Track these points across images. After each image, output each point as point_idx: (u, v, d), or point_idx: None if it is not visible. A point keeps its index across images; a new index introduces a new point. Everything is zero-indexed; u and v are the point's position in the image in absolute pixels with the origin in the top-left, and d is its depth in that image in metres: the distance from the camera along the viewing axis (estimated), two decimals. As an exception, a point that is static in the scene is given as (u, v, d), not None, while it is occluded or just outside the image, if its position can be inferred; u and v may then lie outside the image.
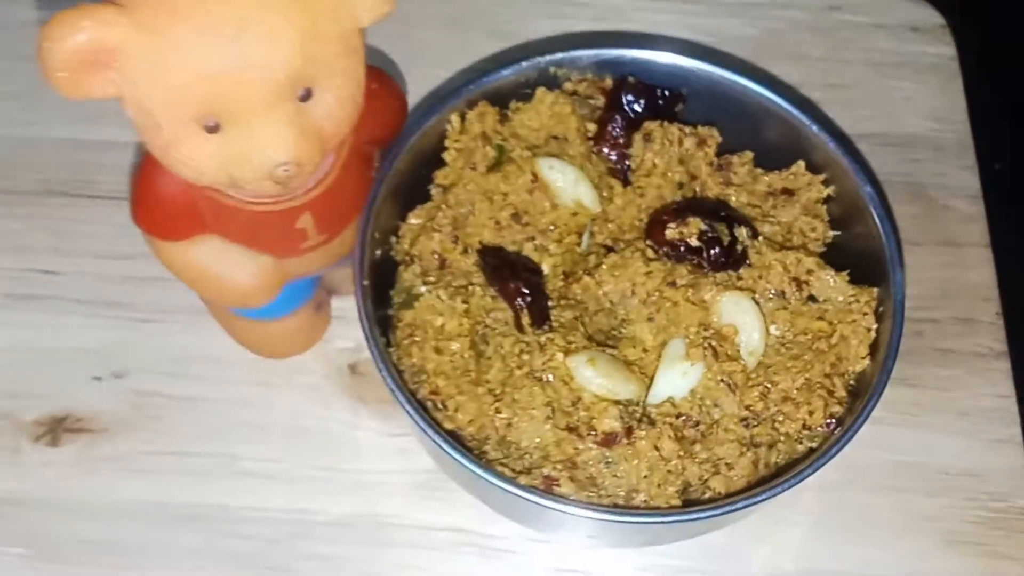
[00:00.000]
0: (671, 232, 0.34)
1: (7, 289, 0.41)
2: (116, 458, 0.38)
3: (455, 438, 0.32)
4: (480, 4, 0.49)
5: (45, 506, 0.37)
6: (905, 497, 0.37)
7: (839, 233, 0.36)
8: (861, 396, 0.32)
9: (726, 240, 0.33)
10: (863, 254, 0.34)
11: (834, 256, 0.35)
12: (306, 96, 0.28)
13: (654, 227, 0.34)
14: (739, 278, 0.33)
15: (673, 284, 0.33)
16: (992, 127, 0.46)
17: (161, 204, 0.32)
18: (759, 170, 0.37)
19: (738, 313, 0.32)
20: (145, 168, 0.31)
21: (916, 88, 0.47)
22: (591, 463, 0.31)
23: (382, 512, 0.37)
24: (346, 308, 0.41)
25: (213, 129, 0.27)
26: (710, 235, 0.33)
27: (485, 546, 0.36)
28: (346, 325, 0.41)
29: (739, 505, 0.29)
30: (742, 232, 0.34)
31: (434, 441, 0.30)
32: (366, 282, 0.33)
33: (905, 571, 0.36)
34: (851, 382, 0.33)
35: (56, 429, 0.38)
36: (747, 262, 0.34)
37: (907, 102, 0.46)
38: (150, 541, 0.36)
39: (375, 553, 0.36)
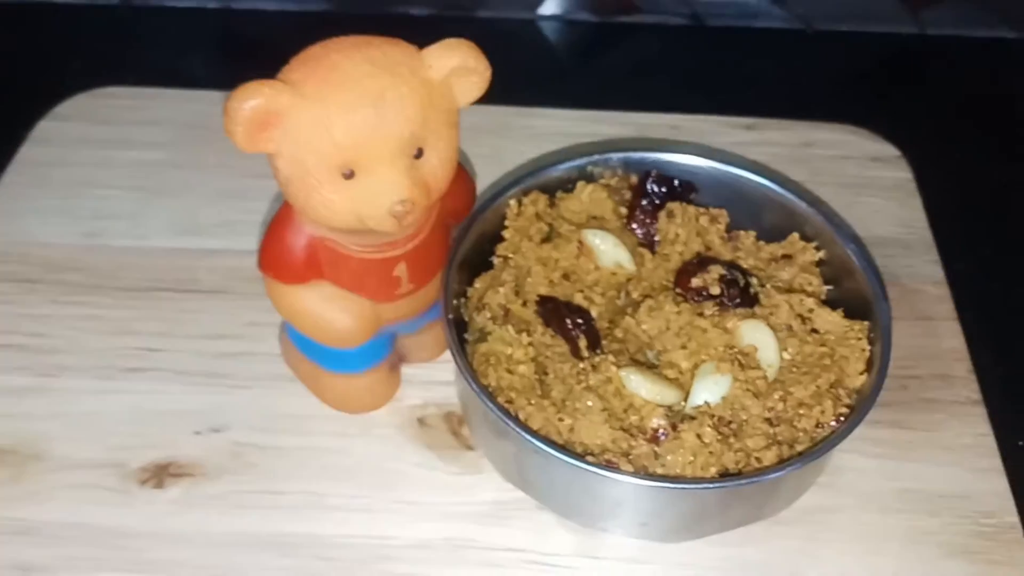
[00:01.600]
0: (696, 280, 0.41)
1: (118, 363, 0.47)
2: (215, 497, 0.43)
3: (525, 444, 0.38)
4: (530, 118, 0.60)
5: (151, 537, 0.41)
6: (909, 516, 0.43)
7: (832, 288, 0.44)
8: (863, 399, 0.38)
9: (741, 283, 0.41)
10: (853, 300, 0.42)
11: (829, 305, 0.43)
12: (419, 155, 0.36)
13: (681, 277, 0.42)
14: (754, 313, 0.41)
15: (701, 315, 0.40)
16: (950, 231, 0.55)
17: (287, 253, 0.39)
18: (761, 242, 0.45)
19: (756, 335, 0.40)
20: (276, 225, 0.39)
21: (882, 203, 0.56)
22: (643, 457, 0.37)
23: (453, 536, 0.42)
24: (414, 373, 0.47)
25: (349, 176, 0.35)
26: (728, 278, 0.41)
27: (544, 562, 0.41)
28: (414, 387, 0.47)
29: (774, 474, 0.35)
30: (753, 280, 0.42)
31: (509, 424, 0.36)
32: (450, 316, 0.40)
33: (916, 574, 0.41)
34: (852, 393, 0.39)
35: (160, 474, 0.44)
36: (759, 303, 0.41)
37: (876, 213, 0.55)
38: (246, 564, 0.41)
39: (449, 571, 0.41)
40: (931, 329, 0.50)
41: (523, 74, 0.65)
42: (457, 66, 0.36)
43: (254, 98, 0.34)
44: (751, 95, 0.64)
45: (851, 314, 0.42)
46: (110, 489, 0.43)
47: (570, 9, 0.70)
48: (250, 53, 0.67)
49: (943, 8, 0.68)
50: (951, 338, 0.50)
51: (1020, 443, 0.47)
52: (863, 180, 0.57)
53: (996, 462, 0.45)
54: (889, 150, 0.59)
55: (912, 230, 0.55)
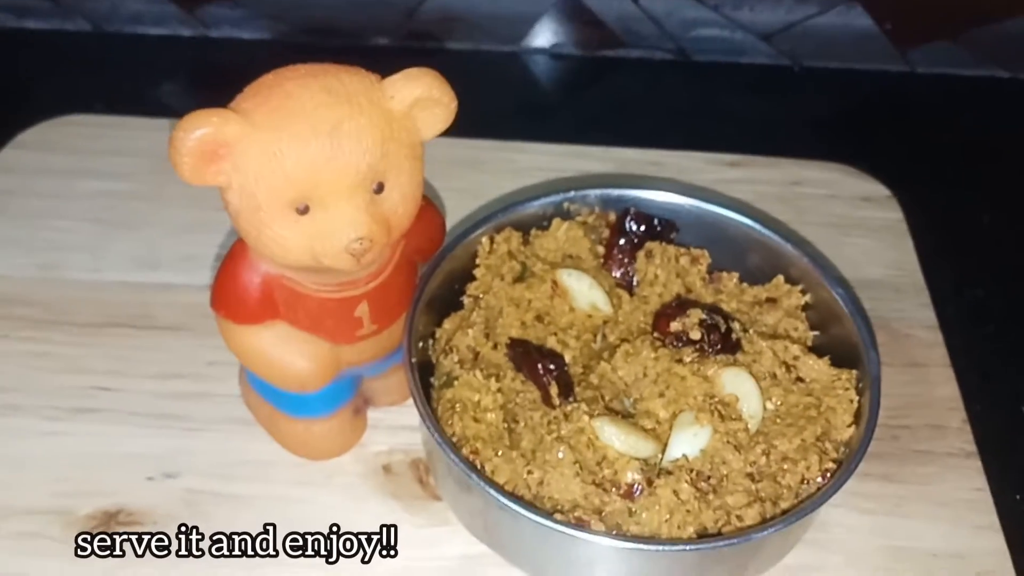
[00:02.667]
0: (675, 325, 0.39)
1: (69, 404, 0.45)
2: (166, 548, 0.40)
3: (491, 498, 0.35)
4: (510, 152, 0.58)
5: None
6: (901, 578, 0.40)
7: (818, 334, 0.42)
8: (851, 453, 0.36)
9: (723, 328, 0.39)
10: (841, 347, 0.40)
11: (815, 351, 0.41)
12: (379, 189, 0.34)
13: (660, 321, 0.40)
14: (736, 360, 0.39)
15: (680, 361, 0.38)
16: (941, 273, 0.53)
17: (241, 292, 0.37)
18: (745, 284, 0.43)
19: (738, 384, 0.37)
20: (229, 262, 0.37)
21: (872, 244, 0.54)
22: (616, 514, 0.35)
23: (416, 595, 0.39)
24: (380, 418, 0.45)
25: (303, 211, 0.33)
26: (709, 323, 0.39)
27: (514, 625, 0.39)
28: (380, 432, 0.45)
29: (756, 535, 0.33)
30: (735, 325, 0.40)
31: (472, 478, 0.34)
32: (413, 359, 0.37)
33: (908, 642, 0.39)
34: (840, 446, 0.37)
35: (109, 523, 0.41)
36: (741, 349, 0.39)
37: (865, 255, 0.54)
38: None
39: (410, 632, 0.38)
40: (923, 376, 0.48)
41: (504, 107, 0.64)
42: (420, 97, 0.34)
43: (201, 127, 0.32)
44: (736, 132, 0.63)
45: (838, 362, 0.40)
46: (53, 539, 0.40)
47: (555, 43, 0.68)
48: (225, 82, 0.66)
49: (932, 47, 0.67)
50: (944, 385, 0.47)
51: (1018, 497, 0.45)
52: (852, 220, 0.56)
53: (992, 518, 0.42)
54: (879, 189, 0.57)
55: (903, 272, 0.53)
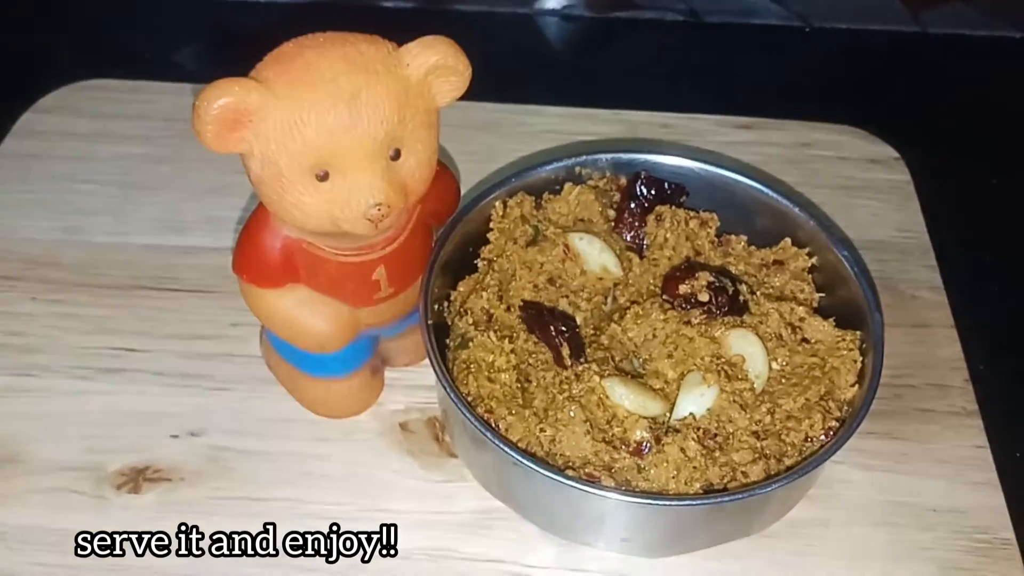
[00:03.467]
0: (684, 287, 0.40)
1: (96, 364, 0.47)
2: (192, 503, 0.42)
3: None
4: (523, 115, 0.59)
5: (127, 543, 0.40)
6: (901, 531, 0.42)
7: (824, 295, 0.43)
8: (854, 412, 0.37)
9: (730, 290, 0.40)
10: (846, 309, 0.41)
11: (821, 313, 0.42)
12: (396, 156, 0.35)
13: (669, 283, 0.41)
14: (743, 322, 0.40)
15: (689, 323, 0.39)
16: (948, 235, 0.54)
17: (262, 256, 0.38)
18: (752, 247, 0.44)
19: (745, 345, 0.38)
20: (251, 227, 0.38)
21: (879, 206, 0.55)
22: (625, 470, 0.36)
23: (433, 547, 0.41)
24: (397, 377, 0.46)
25: (323, 177, 0.34)
26: (717, 285, 0.40)
27: (524, 574, 0.40)
28: (397, 391, 0.46)
29: (760, 490, 0.34)
30: (743, 287, 0.41)
31: (487, 435, 0.35)
32: (430, 321, 0.39)
33: (907, 594, 0.40)
34: (843, 405, 0.38)
35: (137, 479, 0.43)
36: (748, 311, 0.40)
37: (873, 216, 0.54)
38: (225, 571, 0.40)
39: (427, 582, 0.40)
40: (927, 336, 0.49)
41: (517, 70, 0.64)
42: (436, 64, 0.35)
43: (224, 96, 0.33)
44: (748, 93, 0.63)
45: (843, 323, 0.41)
46: (85, 493, 0.42)
47: (566, 4, 0.68)
48: (240, 45, 0.66)
49: (944, 8, 0.66)
50: (947, 346, 0.48)
51: (1018, 455, 0.46)
52: (860, 182, 0.56)
53: (992, 475, 0.44)
54: (887, 151, 0.58)
55: (909, 234, 0.54)
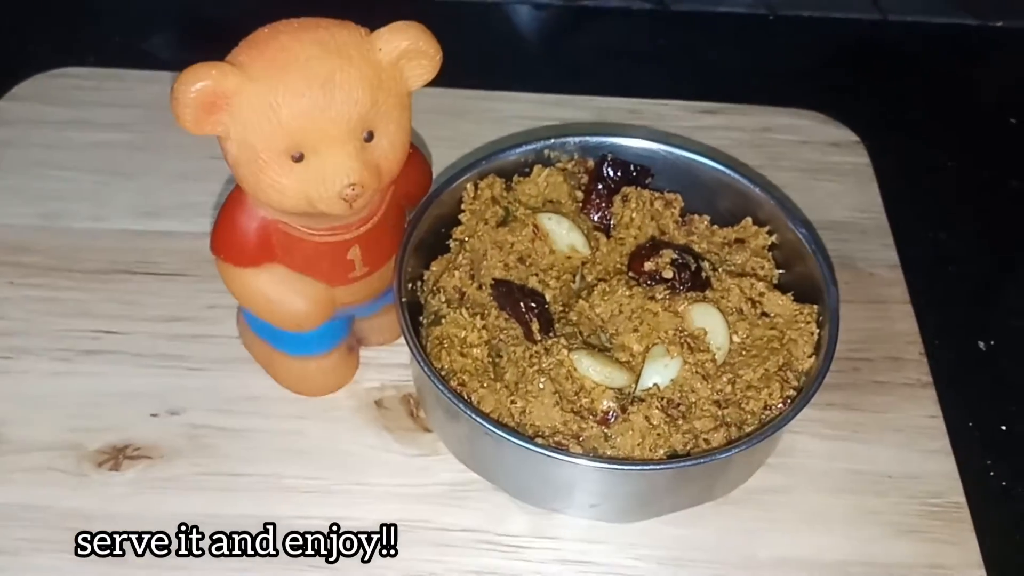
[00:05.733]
0: (648, 264, 0.42)
1: (76, 346, 0.47)
2: (173, 479, 0.43)
3: (478, 427, 0.38)
4: (493, 101, 0.60)
5: (108, 519, 0.41)
6: (858, 497, 0.44)
7: (783, 272, 0.44)
8: (810, 381, 0.39)
9: (693, 267, 0.41)
10: (804, 284, 0.43)
11: (780, 288, 0.43)
12: (369, 138, 0.36)
13: (634, 261, 0.42)
14: (705, 297, 0.41)
15: (653, 299, 0.41)
16: (905, 216, 0.56)
17: (239, 236, 0.39)
18: (715, 226, 0.46)
19: (706, 318, 0.40)
20: (229, 207, 0.39)
21: (839, 188, 0.57)
22: (593, 439, 0.37)
23: (409, 518, 0.42)
24: (372, 356, 0.48)
25: (298, 159, 0.35)
26: (680, 262, 0.41)
27: (499, 543, 0.41)
28: (372, 370, 0.47)
29: (720, 455, 0.36)
30: (705, 264, 0.42)
31: (459, 407, 0.37)
32: (403, 300, 0.40)
33: (863, 554, 0.42)
34: (801, 375, 0.40)
35: (117, 456, 0.44)
36: (710, 286, 0.42)
37: (832, 198, 0.56)
38: (204, 547, 0.41)
39: (404, 552, 0.41)
40: (884, 312, 0.51)
41: (488, 57, 0.65)
42: (407, 49, 0.36)
43: (201, 80, 0.34)
44: (713, 79, 0.65)
45: (801, 298, 0.42)
46: (66, 471, 0.43)
47: (536, -8, 0.70)
48: (214, 32, 0.67)
49: (904, -6, 0.69)
50: (903, 321, 0.50)
51: (970, 424, 0.48)
52: (821, 165, 0.58)
53: (944, 443, 0.46)
54: (847, 135, 0.60)
55: (868, 215, 0.55)
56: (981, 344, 0.52)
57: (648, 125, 0.59)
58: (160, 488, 0.43)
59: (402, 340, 0.43)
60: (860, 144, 0.59)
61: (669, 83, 0.63)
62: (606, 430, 0.37)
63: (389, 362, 0.47)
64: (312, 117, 0.34)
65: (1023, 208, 0.59)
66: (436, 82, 0.38)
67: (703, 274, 0.42)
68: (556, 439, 0.37)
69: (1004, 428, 0.48)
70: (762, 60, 0.68)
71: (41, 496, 0.42)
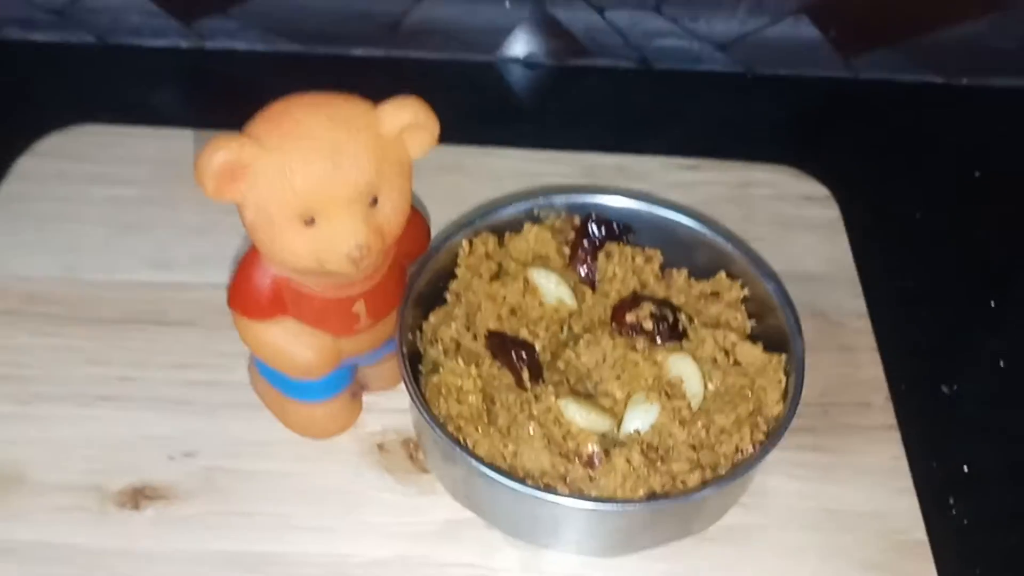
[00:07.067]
0: (630, 316, 0.45)
1: (94, 391, 0.50)
2: (188, 518, 0.46)
3: (473, 468, 0.41)
4: (486, 157, 0.64)
5: (128, 556, 0.44)
6: (827, 534, 0.47)
7: (755, 323, 0.48)
8: (778, 426, 0.42)
9: (671, 319, 0.45)
10: (773, 334, 0.46)
11: (753, 338, 0.47)
12: (374, 203, 0.40)
13: (617, 313, 0.46)
14: (682, 347, 0.45)
15: (634, 349, 0.44)
16: (874, 266, 0.59)
17: (254, 292, 0.42)
18: (692, 279, 0.49)
19: (683, 368, 0.44)
20: (244, 266, 0.43)
21: (811, 240, 0.60)
22: (578, 480, 0.41)
23: (408, 554, 0.45)
24: (373, 401, 0.51)
25: (309, 223, 0.39)
26: (658, 315, 0.45)
27: (492, 577, 0.45)
28: (375, 414, 0.50)
29: (695, 495, 0.39)
30: (683, 316, 0.46)
31: (456, 450, 0.40)
32: (404, 350, 0.43)
33: (831, 588, 0.45)
34: (771, 420, 0.43)
35: (136, 497, 0.47)
36: (687, 337, 0.45)
37: (805, 250, 0.60)
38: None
39: (405, 585, 0.44)
40: (852, 359, 0.54)
41: (482, 114, 0.69)
42: (408, 122, 0.39)
43: (222, 151, 0.37)
44: (695, 136, 0.68)
45: (771, 347, 0.46)
46: (88, 511, 0.46)
47: (528, 53, 0.74)
48: (221, 90, 0.71)
49: (874, 54, 0.73)
50: (870, 368, 0.54)
51: (933, 465, 0.51)
52: (795, 219, 0.62)
53: (908, 483, 0.49)
54: (819, 190, 0.63)
55: (837, 266, 0.59)
56: (945, 388, 0.55)
57: (633, 180, 0.63)
58: (177, 527, 0.46)
59: (402, 386, 0.47)
60: (831, 198, 0.63)
61: (654, 139, 0.67)
62: (591, 472, 0.41)
63: (390, 407, 0.50)
64: (322, 185, 0.38)
65: (986, 258, 0.62)
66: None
67: (680, 326, 0.45)
68: (545, 480, 0.40)
69: (966, 468, 0.51)
70: (741, 116, 0.71)
71: (65, 534, 0.45)
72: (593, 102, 0.72)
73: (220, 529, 0.46)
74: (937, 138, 0.71)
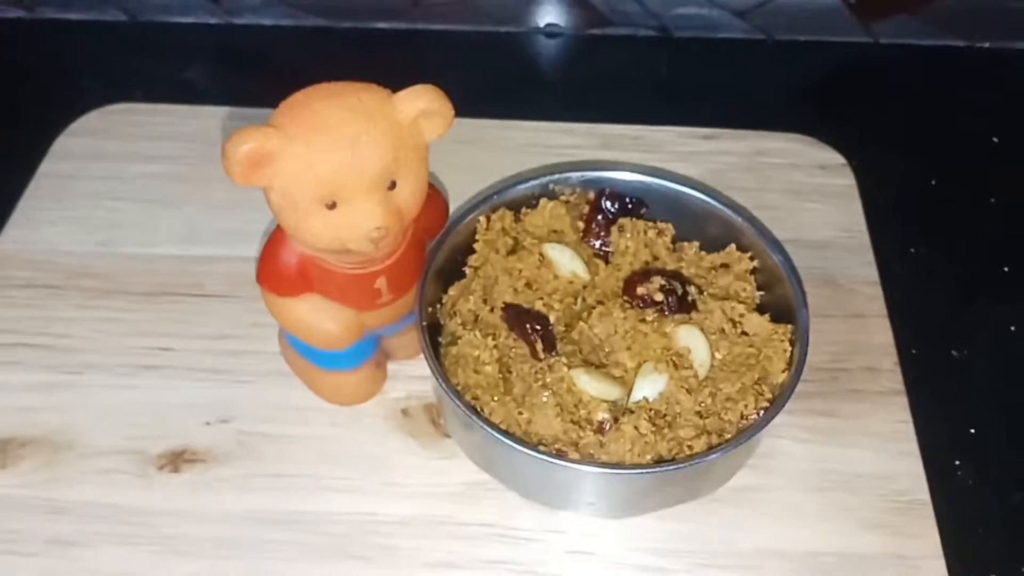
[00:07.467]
0: (641, 289, 0.47)
1: (135, 362, 0.53)
2: (225, 479, 0.49)
3: (490, 435, 0.43)
4: (505, 130, 0.65)
5: (169, 515, 0.48)
6: (831, 495, 0.49)
7: (763, 293, 0.49)
8: (782, 394, 0.44)
9: (680, 292, 0.47)
10: (781, 305, 0.48)
11: (760, 309, 0.48)
12: (392, 186, 0.42)
13: (628, 286, 0.48)
14: (691, 319, 0.47)
15: (644, 320, 0.46)
16: (887, 233, 0.60)
17: (281, 270, 0.45)
18: (703, 252, 0.51)
19: (690, 339, 0.45)
20: (271, 246, 0.45)
21: (825, 209, 0.61)
22: (589, 446, 0.43)
23: (430, 513, 0.48)
24: (398, 369, 0.53)
25: (331, 207, 0.41)
26: (668, 288, 0.47)
27: (510, 536, 0.47)
28: (399, 381, 0.53)
29: (698, 461, 0.41)
30: (692, 288, 0.47)
31: (473, 419, 0.42)
32: (424, 323, 0.45)
33: (835, 545, 0.47)
34: (775, 388, 0.45)
35: (176, 460, 0.50)
36: (696, 309, 0.47)
37: (818, 218, 0.61)
38: (255, 538, 0.47)
39: (427, 543, 0.47)
40: (863, 326, 0.55)
41: (501, 85, 0.71)
42: (424, 109, 0.41)
43: (248, 142, 0.39)
44: (712, 104, 0.69)
45: (780, 317, 0.48)
46: (131, 473, 0.49)
47: (548, 23, 0.75)
48: (248, 65, 0.73)
49: (895, 19, 0.73)
50: (880, 334, 0.55)
51: (941, 427, 0.52)
52: (809, 187, 0.63)
53: (913, 447, 0.50)
54: (835, 158, 0.64)
55: (851, 234, 0.60)
56: (955, 353, 0.56)
57: (649, 151, 0.64)
58: (214, 488, 0.49)
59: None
60: (847, 166, 0.64)
61: (671, 108, 0.68)
62: (601, 438, 0.43)
63: (413, 375, 0.53)
64: (343, 172, 0.40)
65: (1001, 224, 0.63)
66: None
67: (689, 298, 0.47)
68: (557, 446, 0.43)
69: (973, 431, 0.53)
70: (760, 83, 0.72)
71: (111, 495, 0.48)
72: (613, 71, 0.73)
73: (255, 490, 0.48)
74: (957, 103, 0.71)
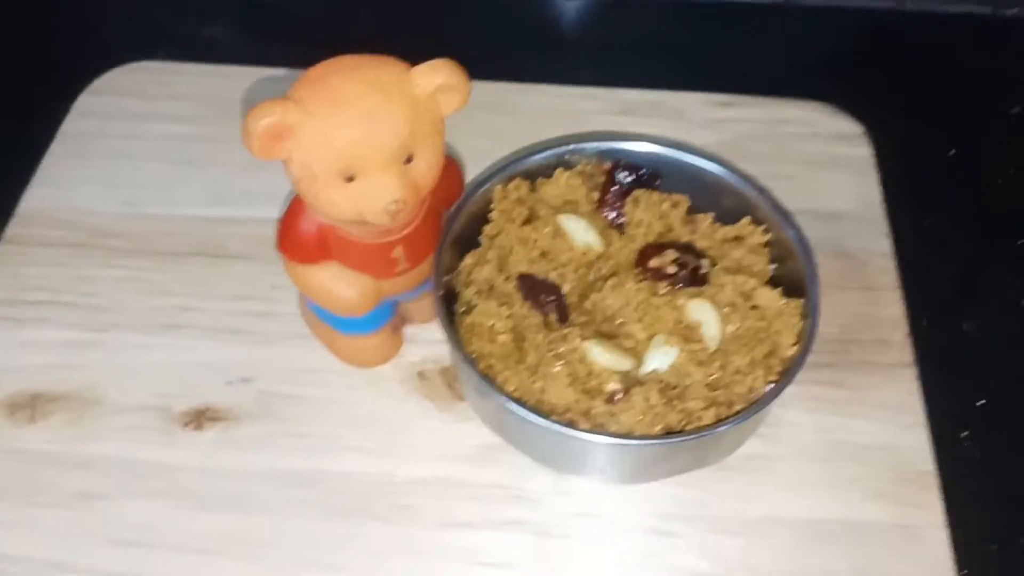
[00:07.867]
0: (654, 262, 0.48)
1: (160, 321, 0.55)
2: (246, 438, 0.50)
3: (503, 403, 0.44)
4: (522, 94, 0.65)
5: (192, 471, 0.49)
6: (838, 464, 0.50)
7: (776, 266, 0.50)
8: (791, 368, 0.45)
9: (692, 266, 0.47)
10: (793, 278, 0.48)
11: (773, 282, 0.49)
12: (408, 160, 0.42)
13: (642, 258, 0.48)
14: (702, 292, 0.47)
15: (656, 293, 0.47)
16: (903, 204, 0.61)
17: (301, 239, 0.46)
18: (717, 224, 0.51)
19: (702, 313, 0.46)
20: (291, 214, 0.46)
21: (841, 179, 0.62)
22: (600, 416, 0.44)
23: (447, 475, 0.49)
24: (415, 333, 0.54)
25: (350, 179, 0.41)
26: (680, 261, 0.47)
27: (523, 497, 0.48)
28: (416, 345, 0.54)
29: (706, 433, 0.42)
30: (705, 262, 0.48)
31: (488, 387, 0.43)
32: (440, 292, 0.46)
33: (841, 514, 0.48)
34: (785, 362, 0.46)
35: (199, 418, 0.51)
36: (708, 282, 0.48)
37: (834, 189, 0.61)
38: (275, 496, 0.48)
39: (443, 504, 0.48)
40: (874, 298, 0.56)
41: (520, 47, 0.70)
42: (441, 84, 0.42)
43: (268, 116, 0.40)
44: (734, 69, 0.69)
45: (792, 291, 0.48)
46: (156, 430, 0.51)
47: (567, -15, 0.74)
48: (270, 22, 0.73)
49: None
50: (891, 306, 0.56)
51: (951, 399, 0.53)
52: (826, 157, 0.63)
53: (920, 419, 0.51)
54: (853, 127, 0.64)
55: (866, 205, 0.60)
56: (966, 325, 0.57)
57: (668, 117, 0.64)
58: (236, 446, 0.50)
59: (439, 322, 0.50)
60: (864, 136, 0.64)
61: (691, 74, 0.67)
62: (612, 408, 0.44)
63: (430, 339, 0.54)
64: (361, 147, 0.40)
65: (1018, 197, 0.63)
66: (470, 75, 0.42)
67: (701, 271, 0.48)
68: (569, 416, 0.44)
69: (983, 403, 0.53)
70: (779, 50, 0.72)
71: (136, 451, 0.50)
72: (633, 35, 0.73)
73: (275, 448, 0.50)
74: (978, 73, 0.70)
